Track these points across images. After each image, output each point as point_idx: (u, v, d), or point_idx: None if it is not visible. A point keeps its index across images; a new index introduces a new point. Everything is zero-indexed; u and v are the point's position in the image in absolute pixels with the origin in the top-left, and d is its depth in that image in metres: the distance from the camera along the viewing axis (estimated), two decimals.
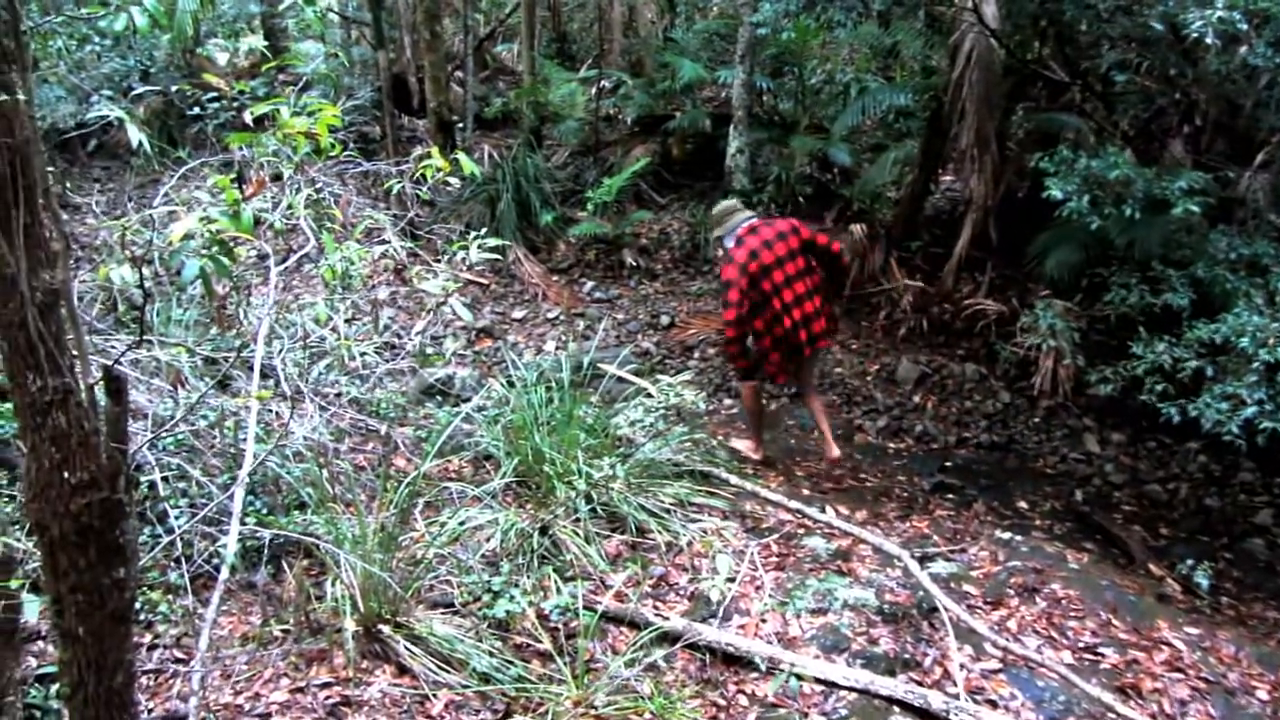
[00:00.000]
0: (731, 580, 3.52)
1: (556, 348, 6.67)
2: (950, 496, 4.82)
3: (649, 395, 4.51)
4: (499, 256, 3.64)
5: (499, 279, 8.07)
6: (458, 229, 7.53)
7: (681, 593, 3.53)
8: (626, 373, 5.40)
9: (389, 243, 5.26)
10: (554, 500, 3.80)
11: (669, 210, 9.12)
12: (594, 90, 8.99)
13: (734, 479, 4.38)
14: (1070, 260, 5.51)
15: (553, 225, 8.24)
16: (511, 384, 4.64)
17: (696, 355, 6.34)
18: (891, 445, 5.43)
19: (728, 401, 5.76)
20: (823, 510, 4.23)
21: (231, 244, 2.13)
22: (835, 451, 4.67)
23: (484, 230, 3.53)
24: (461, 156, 3.02)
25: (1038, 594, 3.53)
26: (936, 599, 3.41)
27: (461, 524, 3.57)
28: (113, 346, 4.18)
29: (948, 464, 5.21)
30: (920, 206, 6.85)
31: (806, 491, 4.51)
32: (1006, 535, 4.14)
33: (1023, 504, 4.84)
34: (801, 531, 3.98)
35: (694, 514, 4.00)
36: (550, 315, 7.46)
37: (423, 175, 2.95)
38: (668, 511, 3.93)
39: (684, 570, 3.66)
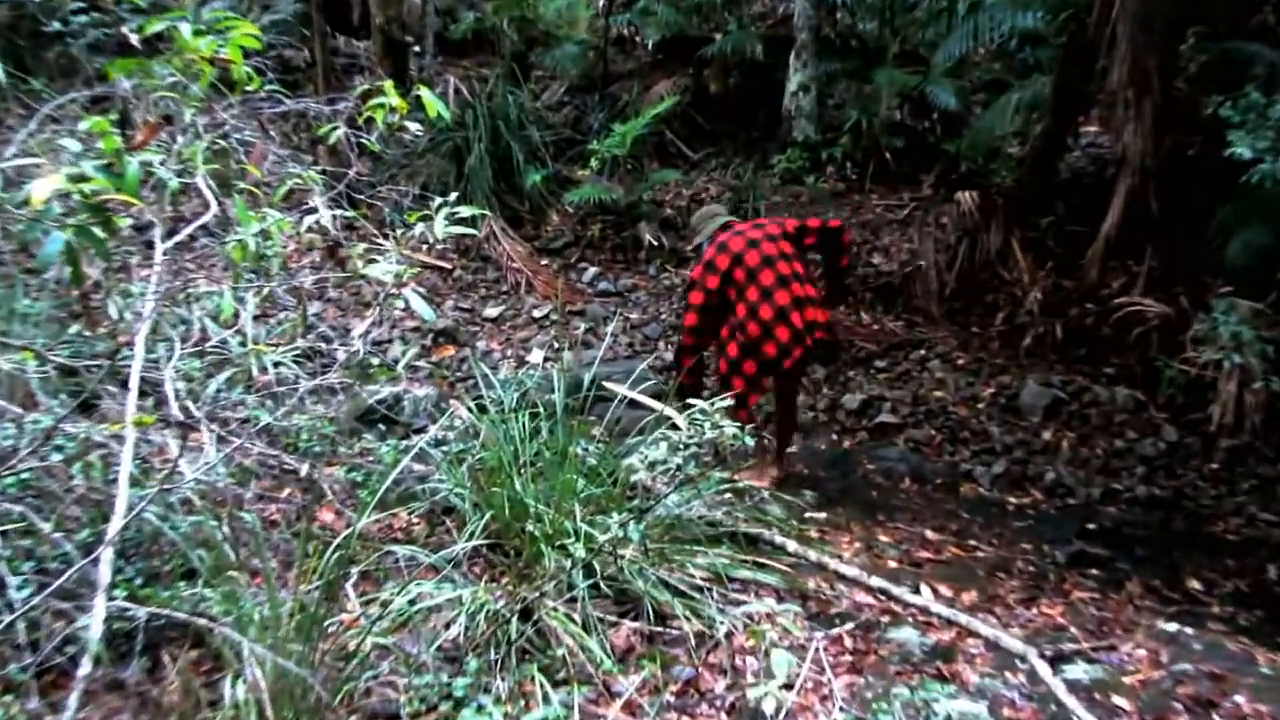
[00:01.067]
0: (789, 687, 3.45)
1: (546, 359, 6.69)
2: (1094, 572, 4.86)
3: (674, 427, 4.66)
4: (470, 231, 3.62)
5: (467, 262, 8.09)
6: (411, 192, 7.62)
7: (719, 704, 3.49)
8: (643, 395, 5.47)
9: (320, 211, 5.46)
10: (540, 572, 3.79)
11: (703, 169, 9.15)
12: (602, 2, 9.17)
13: (792, 544, 4.40)
14: (1261, 243, 5.47)
15: (542, 188, 8.23)
16: (483, 409, 4.69)
17: None
18: (1012, 500, 5.50)
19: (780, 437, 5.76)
20: (916, 590, 4.26)
21: (109, 211, 2.08)
22: (775, 472, 5.20)
23: (448, 194, 3.58)
24: (424, 92, 2.95)
25: (1216, 709, 3.51)
26: (1075, 716, 3.36)
27: (411, 603, 3.55)
28: None
29: (1090, 527, 5.25)
30: (1053, 168, 6.84)
31: (893, 564, 4.56)
32: (1172, 627, 4.17)
33: (1194, 583, 4.88)
34: (886, 620, 4.00)
35: (736, 593, 3.99)
36: (537, 313, 7.48)
37: (368, 118, 2.96)
38: (700, 590, 3.91)
39: (722, 672, 3.65)
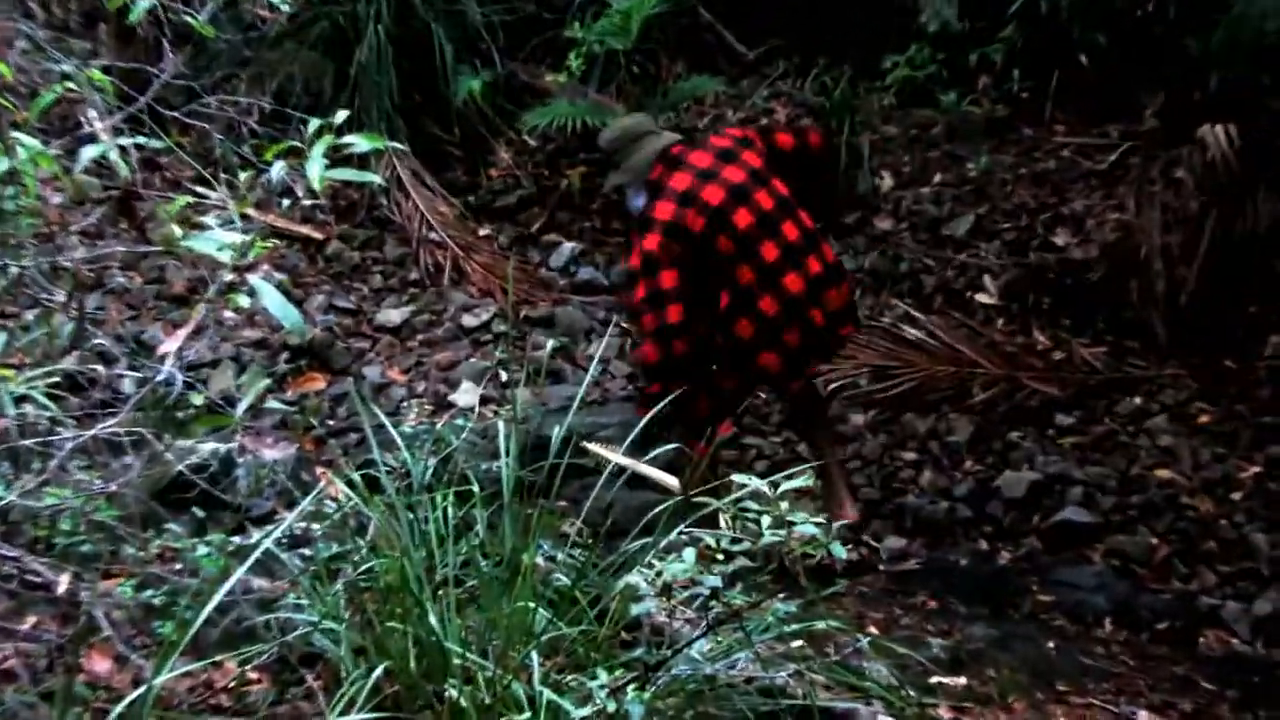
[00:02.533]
0: None
1: (485, 400, 6.77)
2: None
3: (707, 519, 4.63)
4: (362, 177, 3.46)
5: (352, 230, 8.42)
6: (260, 106, 7.63)
7: None
8: (650, 467, 5.73)
9: (103, 138, 5.28)
10: None
11: (762, 75, 9.43)
12: None
13: None
14: None
15: (483, 104, 8.54)
16: (373, 485, 4.71)
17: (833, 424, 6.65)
18: None
19: (894, 542, 6.14)
20: None
21: None
22: (852, 513, 5.74)
23: (326, 112, 3.65)
24: None
25: None
26: None
27: None
28: None
29: None
30: None
31: None
32: None
33: None
34: None
35: None
36: (470, 319, 7.70)
37: None
38: None
39: None
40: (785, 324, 5.39)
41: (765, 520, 4.19)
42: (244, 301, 3.60)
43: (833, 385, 6.82)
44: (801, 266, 5.40)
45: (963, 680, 4.90)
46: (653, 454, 5.39)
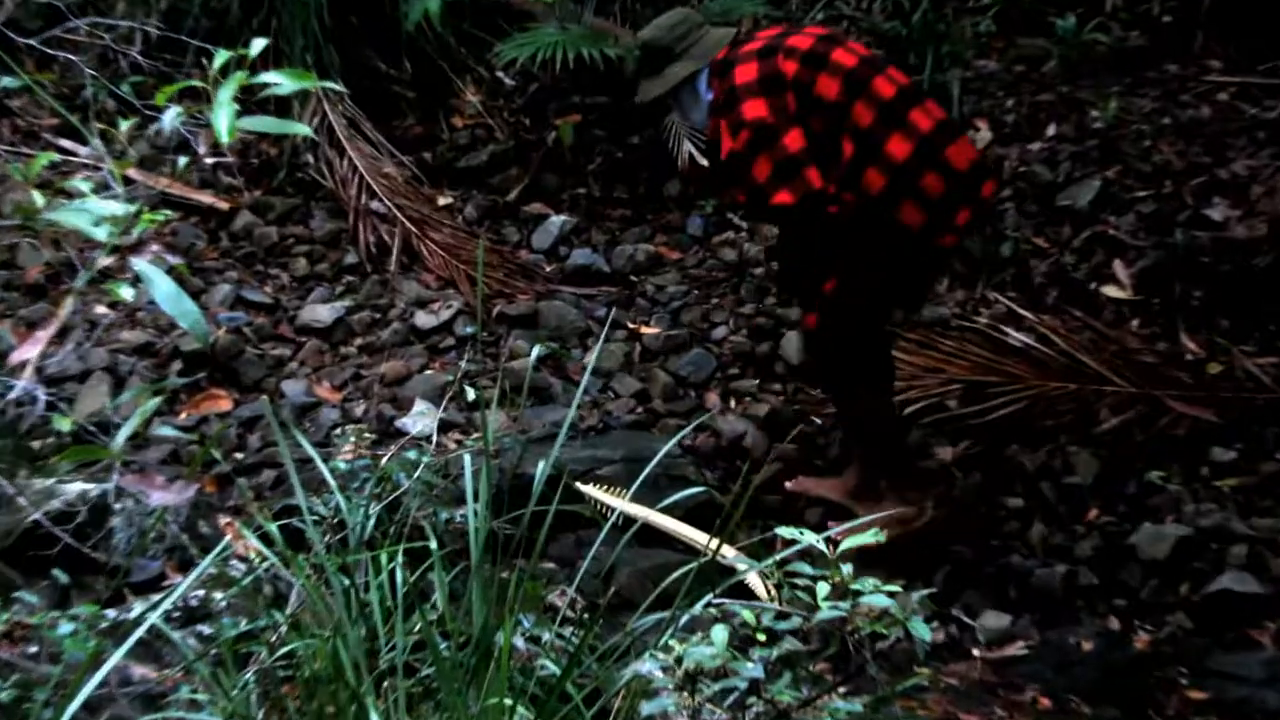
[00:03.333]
0: None
1: (445, 427, 6.86)
2: None
3: (744, 588, 5.02)
4: (284, 128, 3.36)
5: (268, 197, 8.62)
6: (145, 31, 8.00)
7: None
8: (666, 516, 5.86)
9: None
10: None
11: None
12: None
13: None
14: None
15: (442, 31, 8.70)
16: (296, 542, 4.77)
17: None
18: None
19: (994, 619, 6.11)
20: None
21: None
22: (915, 504, 6.19)
23: (236, 42, 3.68)
24: None
25: None
26: None
27: None
28: None
29: None
30: None
31: None
32: None
33: None
34: None
35: None
36: (424, 318, 7.87)
37: None
38: None
39: None
40: (920, 167, 5.68)
41: (821, 589, 4.15)
42: (125, 293, 3.67)
43: (911, 408, 6.87)
44: (923, 104, 5.81)
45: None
46: (671, 498, 5.23)
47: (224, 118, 3.30)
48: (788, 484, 6.35)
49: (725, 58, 5.96)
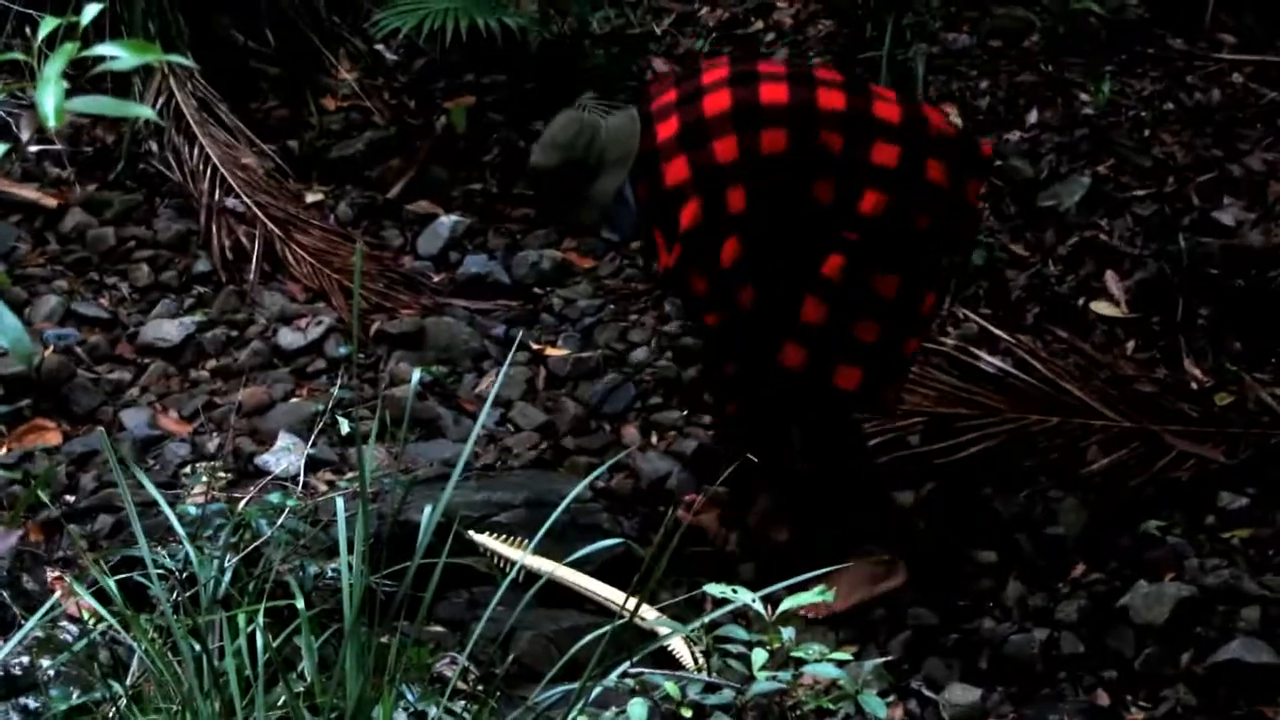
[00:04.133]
0: None
1: (318, 465, 6.94)
2: None
3: (667, 655, 5.18)
4: (126, 111, 3.41)
5: (106, 192, 8.55)
6: None
7: None
8: (574, 573, 6.01)
9: None
10: None
11: None
12: None
13: None
14: None
15: None
16: (138, 600, 4.82)
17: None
18: None
19: (962, 692, 6.14)
20: None
21: None
22: (899, 575, 6.36)
23: (64, 8, 3.54)
24: None
25: None
26: None
27: None
28: None
29: None
30: None
31: None
32: None
33: None
34: None
35: None
36: (289, 337, 7.92)
37: None
38: None
39: None
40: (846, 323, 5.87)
41: (758, 656, 4.32)
42: None
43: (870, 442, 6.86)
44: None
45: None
46: (581, 551, 5.30)
47: (50, 97, 3.20)
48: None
49: (644, 151, 5.97)
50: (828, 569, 4.89)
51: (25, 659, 4.89)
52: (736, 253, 5.78)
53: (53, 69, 3.23)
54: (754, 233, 5.81)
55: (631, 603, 4.66)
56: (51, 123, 3.27)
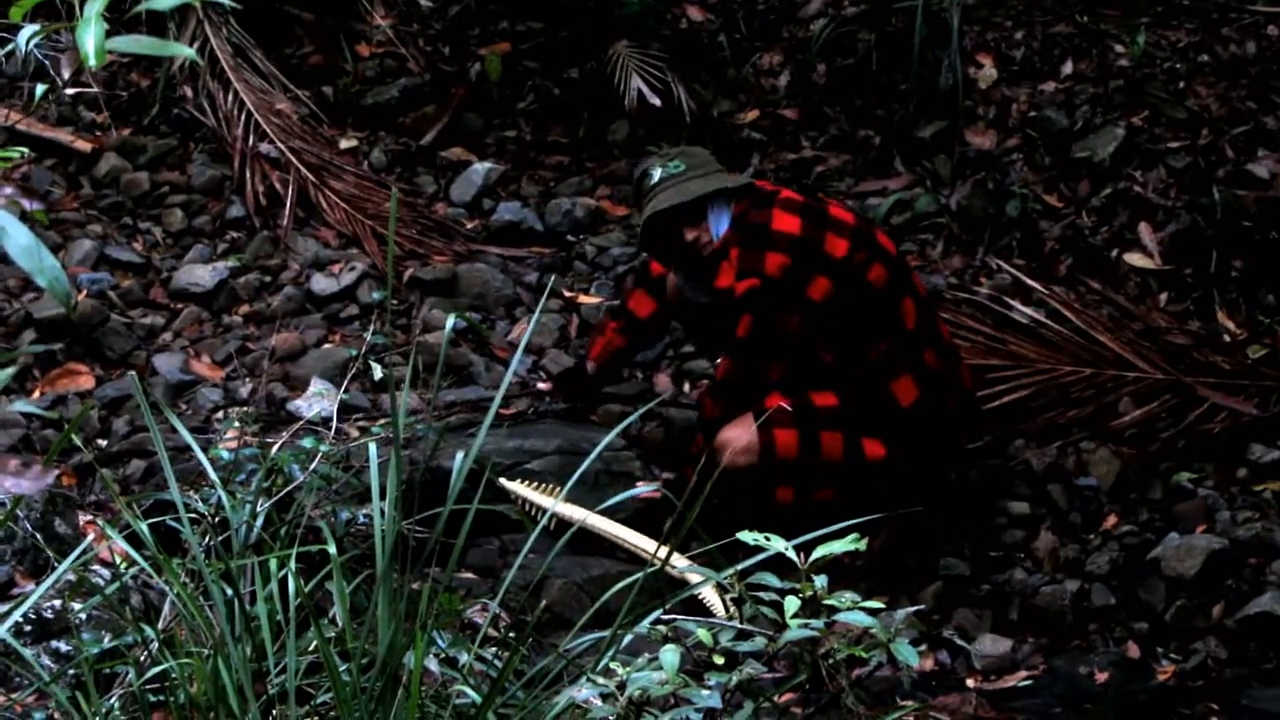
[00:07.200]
0: None
1: (346, 410, 6.84)
2: None
3: (698, 604, 5.18)
4: (159, 50, 3.48)
5: (140, 137, 8.51)
6: None
7: None
8: (604, 519, 6.05)
9: None
10: None
11: None
12: None
13: None
14: None
15: None
16: (170, 543, 4.85)
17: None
18: None
19: (993, 643, 6.24)
20: None
21: None
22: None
23: None
24: None
25: None
26: None
27: None
28: None
29: None
30: None
31: None
32: None
33: None
34: None
35: None
36: (322, 283, 7.92)
37: None
38: None
39: None
40: (954, 369, 6.14)
41: (790, 604, 4.20)
42: None
43: None
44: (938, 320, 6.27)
45: None
46: (616, 498, 5.40)
47: (91, 37, 3.07)
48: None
49: (746, 211, 6.03)
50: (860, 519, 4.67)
51: (57, 602, 4.91)
52: (750, 325, 5.97)
53: (93, 9, 3.23)
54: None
55: (663, 551, 4.73)
56: (92, 62, 3.26)
